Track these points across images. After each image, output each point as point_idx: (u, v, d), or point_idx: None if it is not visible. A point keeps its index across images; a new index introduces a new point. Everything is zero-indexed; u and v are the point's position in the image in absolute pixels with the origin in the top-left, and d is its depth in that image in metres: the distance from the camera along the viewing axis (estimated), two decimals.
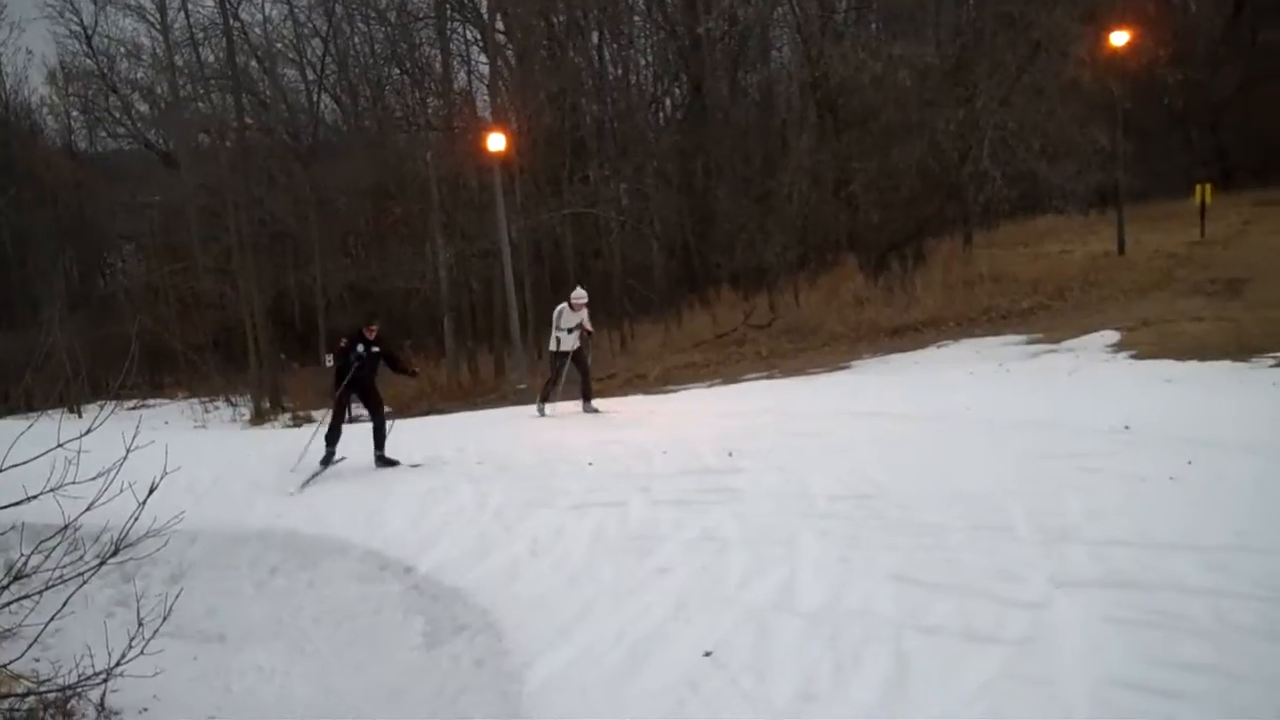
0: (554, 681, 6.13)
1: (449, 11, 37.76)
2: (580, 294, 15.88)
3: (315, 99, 43.84)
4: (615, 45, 39.02)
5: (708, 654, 6.04)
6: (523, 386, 24.80)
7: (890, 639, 5.87)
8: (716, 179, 36.68)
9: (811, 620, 6.26)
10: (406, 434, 13.70)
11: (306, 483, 12.01)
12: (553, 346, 16.08)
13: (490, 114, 35.78)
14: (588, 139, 36.82)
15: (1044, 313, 23.07)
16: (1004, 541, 7.08)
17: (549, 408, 16.14)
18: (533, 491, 10.12)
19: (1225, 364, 15.24)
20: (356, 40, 42.85)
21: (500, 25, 38.06)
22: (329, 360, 13.84)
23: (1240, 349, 16.05)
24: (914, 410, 12.80)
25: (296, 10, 42.97)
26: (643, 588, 7.23)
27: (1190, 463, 8.59)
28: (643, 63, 41.64)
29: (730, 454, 10.46)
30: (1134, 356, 17.05)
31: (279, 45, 43.67)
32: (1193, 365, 15.25)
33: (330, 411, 12.92)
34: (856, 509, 8.24)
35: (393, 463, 12.49)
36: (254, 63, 42.78)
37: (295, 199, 38.24)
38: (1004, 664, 5.42)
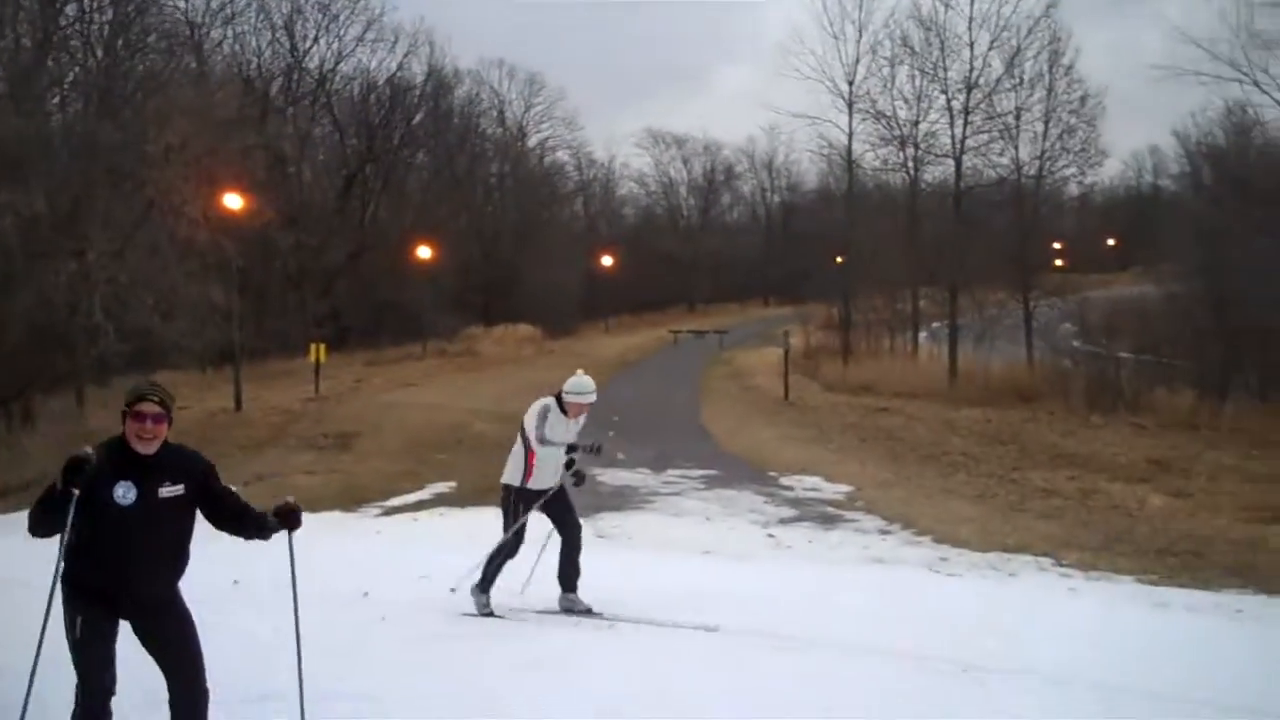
0: None
1: None
2: (584, 384, 8.94)
3: None
4: None
5: None
6: None
7: None
8: None
9: None
10: None
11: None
12: (511, 479, 9.01)
13: None
14: None
15: None
16: None
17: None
18: None
19: (336, 514, 15.71)
20: None
21: None
22: None
23: (350, 499, 16.68)
24: None
25: None
26: None
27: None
28: None
29: None
30: None
31: None
32: (304, 517, 15.52)
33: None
34: None
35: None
36: None
37: None
38: None
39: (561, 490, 9.00)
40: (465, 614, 8.81)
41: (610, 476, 18.10)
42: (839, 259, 46.88)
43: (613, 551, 12.08)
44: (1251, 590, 10.76)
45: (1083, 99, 40.32)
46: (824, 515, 15.10)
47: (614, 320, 64.67)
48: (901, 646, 8.00)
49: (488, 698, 6.72)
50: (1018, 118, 40.21)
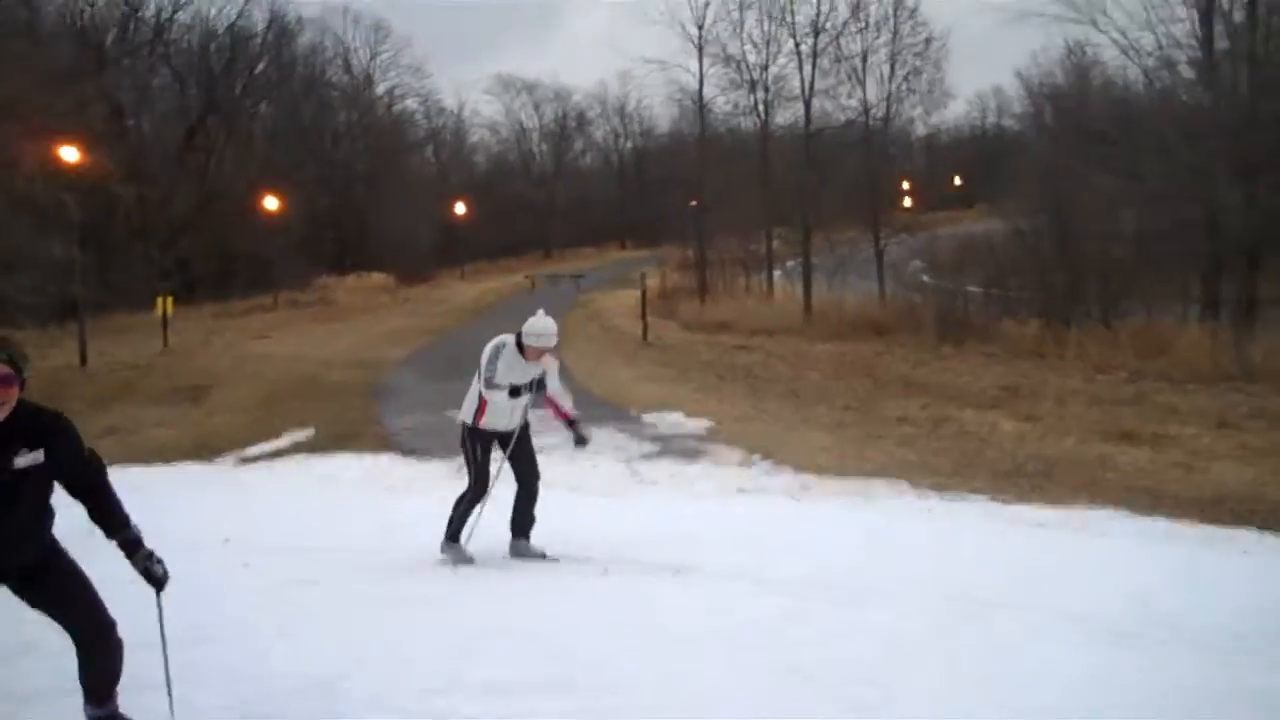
0: None
1: None
2: (545, 326, 8.41)
3: None
4: None
5: None
6: None
7: None
8: None
9: None
10: None
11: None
12: (465, 415, 8.68)
13: None
14: None
15: None
16: None
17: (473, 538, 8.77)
18: None
19: (192, 465, 15.40)
20: None
21: None
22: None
23: (205, 450, 16.33)
24: None
25: None
26: None
27: None
28: None
29: None
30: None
31: None
32: (159, 469, 15.18)
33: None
34: None
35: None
36: None
37: None
38: None
39: (525, 436, 8.74)
40: (326, 559, 8.79)
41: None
42: (693, 203, 47.15)
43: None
44: (1098, 505, 11.19)
45: (927, 41, 41.40)
46: (686, 450, 15.23)
47: (470, 267, 64.18)
48: (767, 572, 8.18)
49: (352, 633, 6.73)
50: (864, 60, 41.10)
